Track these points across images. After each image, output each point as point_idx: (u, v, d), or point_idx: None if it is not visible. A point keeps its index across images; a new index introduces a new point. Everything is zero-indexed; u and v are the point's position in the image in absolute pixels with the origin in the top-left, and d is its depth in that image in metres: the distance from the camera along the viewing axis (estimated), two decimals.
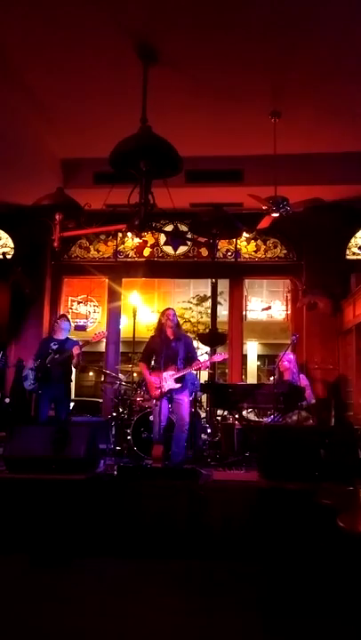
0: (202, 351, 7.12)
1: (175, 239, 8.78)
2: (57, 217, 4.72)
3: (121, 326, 9.28)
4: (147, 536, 4.15)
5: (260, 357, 14.90)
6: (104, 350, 9.17)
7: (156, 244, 8.99)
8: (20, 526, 4.19)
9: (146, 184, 4.58)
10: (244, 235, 8.43)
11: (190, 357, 5.89)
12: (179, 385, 5.72)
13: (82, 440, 4.63)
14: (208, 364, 6.34)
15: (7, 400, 7.80)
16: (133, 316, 7.99)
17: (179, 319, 6.40)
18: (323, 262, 8.38)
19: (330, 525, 3.03)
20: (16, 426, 4.90)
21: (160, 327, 5.94)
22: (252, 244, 8.82)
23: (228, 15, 4.91)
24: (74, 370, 6.61)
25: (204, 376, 7.75)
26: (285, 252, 8.79)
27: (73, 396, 8.95)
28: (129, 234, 8.62)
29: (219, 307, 9.19)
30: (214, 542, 4.11)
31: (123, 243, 9.02)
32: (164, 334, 5.85)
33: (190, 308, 13.17)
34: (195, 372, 6.61)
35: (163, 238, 8.93)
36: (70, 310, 10.44)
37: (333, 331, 8.26)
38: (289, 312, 9.39)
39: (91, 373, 14.44)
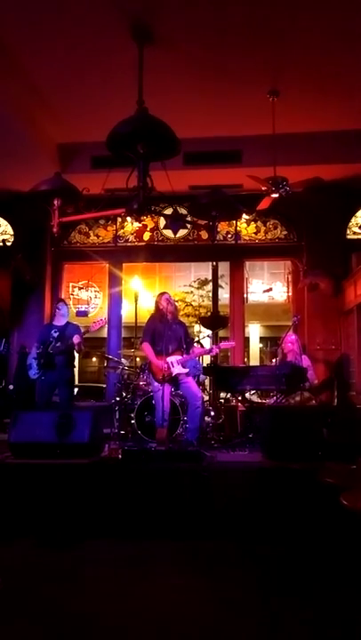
0: (204, 334, 7.13)
1: (175, 222, 8.74)
2: (55, 202, 4.69)
3: (122, 311, 9.29)
4: (151, 518, 4.19)
5: (262, 339, 14.92)
6: (106, 336, 9.19)
7: (155, 228, 8.95)
8: (27, 510, 4.23)
9: (144, 167, 4.55)
10: (244, 216, 8.39)
11: (188, 342, 5.91)
12: (186, 370, 5.76)
13: (86, 425, 4.65)
14: (216, 350, 6.37)
15: (11, 387, 7.84)
16: (135, 301, 8.02)
17: (180, 303, 6.41)
18: (323, 243, 8.35)
19: (333, 503, 3.06)
20: (20, 412, 4.91)
21: (160, 311, 5.89)
22: (252, 225, 8.78)
23: None
24: (77, 355, 6.63)
25: (206, 359, 7.77)
26: (286, 233, 8.75)
27: (76, 382, 8.98)
28: (128, 218, 8.58)
29: (220, 290, 9.19)
30: (219, 523, 4.15)
31: (122, 227, 8.98)
32: (165, 318, 5.83)
33: (191, 291, 13.16)
34: (197, 357, 6.63)
35: (162, 222, 8.89)
36: (71, 296, 10.45)
37: (335, 311, 8.26)
38: (290, 293, 9.40)
39: (94, 359, 14.47)
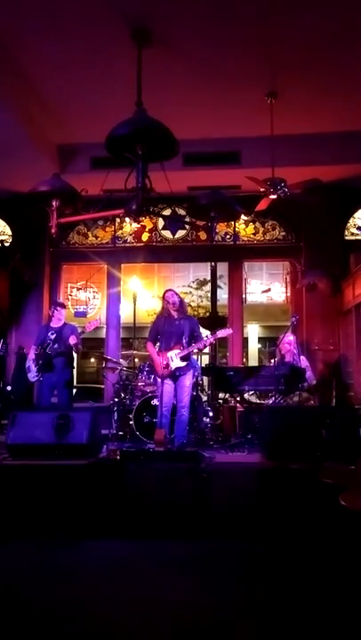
0: (204, 334, 7.12)
1: (173, 223, 8.74)
2: (54, 203, 4.69)
3: (121, 312, 9.29)
4: (151, 518, 4.19)
5: (260, 340, 14.91)
6: (105, 336, 9.19)
7: (154, 229, 8.95)
8: (25, 511, 4.23)
9: (142, 168, 4.56)
10: (243, 217, 8.40)
11: (196, 336, 5.88)
12: (185, 363, 5.73)
13: (84, 426, 4.65)
14: (213, 340, 6.31)
15: (9, 388, 7.83)
16: (133, 302, 8.02)
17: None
18: (322, 243, 8.36)
19: (332, 504, 3.06)
20: (18, 412, 4.90)
21: (163, 308, 5.96)
22: (251, 226, 8.79)
23: None
24: (75, 355, 6.63)
25: (205, 359, 7.78)
26: (284, 233, 8.76)
27: (75, 383, 8.98)
28: (127, 219, 8.58)
29: (218, 290, 9.20)
30: (218, 523, 4.15)
31: (121, 228, 8.98)
32: (168, 315, 5.86)
33: (190, 292, 13.15)
34: (195, 357, 6.63)
35: (161, 223, 8.90)
36: (70, 297, 10.43)
37: (333, 311, 8.27)
38: (289, 294, 9.39)
39: (92, 360, 14.46)
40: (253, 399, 7.28)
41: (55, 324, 6.40)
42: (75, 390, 8.18)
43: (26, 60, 5.77)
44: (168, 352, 5.73)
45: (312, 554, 3.66)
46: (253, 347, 14.67)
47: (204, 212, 4.98)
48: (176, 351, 5.72)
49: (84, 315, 10.44)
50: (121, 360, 8.17)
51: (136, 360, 7.87)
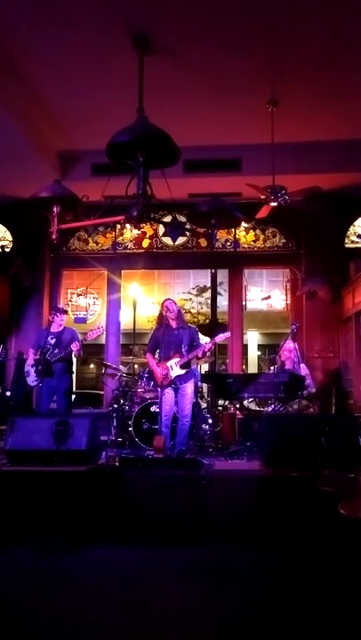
0: (203, 341, 7.11)
1: (174, 230, 8.75)
2: (55, 209, 4.69)
3: (121, 318, 9.29)
4: (150, 525, 4.17)
5: (260, 347, 14.90)
6: (104, 342, 9.18)
7: (154, 236, 8.97)
8: (24, 518, 4.21)
9: (143, 175, 4.56)
10: (243, 224, 8.41)
11: (195, 345, 5.85)
12: (185, 371, 5.71)
13: (83, 432, 4.63)
14: (212, 345, 6.29)
15: (8, 393, 7.81)
16: (133, 308, 8.02)
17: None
18: (322, 251, 8.37)
19: (332, 512, 3.05)
20: (17, 418, 4.89)
21: (161, 319, 5.95)
22: (251, 233, 8.80)
23: (223, 3, 4.88)
24: (75, 360, 6.61)
25: (204, 366, 7.77)
26: (284, 241, 8.78)
27: (74, 389, 8.97)
28: (128, 225, 8.59)
29: (219, 297, 9.21)
30: (217, 531, 4.13)
31: (121, 234, 9.00)
32: (167, 324, 5.85)
33: (190, 298, 13.16)
34: (195, 364, 6.62)
35: (161, 229, 8.91)
36: (70, 303, 10.45)
37: (333, 319, 8.27)
38: (289, 301, 9.39)
39: (92, 365, 14.45)
40: (253, 406, 7.26)
41: (55, 328, 6.38)
42: (74, 396, 8.17)
43: (27, 66, 5.80)
44: (167, 361, 5.71)
45: (311, 562, 3.65)
46: (253, 354, 14.66)
47: (204, 219, 4.99)
48: (176, 359, 5.71)
49: (84, 321, 10.45)
50: (120, 366, 8.16)
51: (136, 366, 7.86)
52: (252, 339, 14.53)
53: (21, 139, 6.71)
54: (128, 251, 9.02)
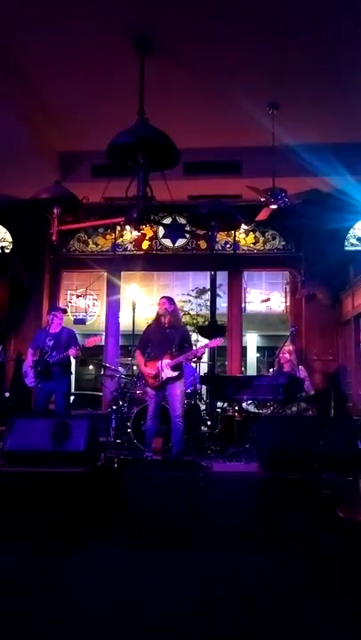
0: (202, 343, 7.12)
1: (174, 232, 8.74)
2: (55, 210, 4.70)
3: (120, 319, 9.28)
4: (148, 527, 4.17)
5: (259, 349, 14.91)
6: (103, 344, 9.17)
7: (154, 237, 8.97)
8: (22, 519, 4.21)
9: (143, 177, 4.57)
10: (243, 227, 8.42)
11: (186, 347, 5.78)
12: (176, 373, 5.64)
13: (82, 433, 4.63)
14: (204, 350, 6.26)
15: (7, 394, 7.81)
16: (133, 310, 8.00)
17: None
18: (321, 254, 8.38)
19: (330, 515, 3.05)
20: (16, 419, 4.88)
21: (156, 316, 5.94)
22: (251, 235, 8.81)
23: (225, 6, 4.89)
24: (73, 361, 6.59)
25: (203, 368, 7.77)
26: (284, 243, 8.79)
27: (73, 390, 8.96)
28: (127, 227, 8.60)
29: (218, 299, 9.21)
30: (215, 533, 4.13)
31: (121, 236, 9.00)
32: (160, 322, 5.82)
33: (189, 300, 13.15)
34: (194, 365, 6.62)
35: (161, 231, 8.92)
36: (69, 304, 10.44)
37: (332, 322, 8.28)
38: (288, 304, 9.40)
39: (90, 367, 14.44)
40: (252, 409, 7.27)
41: (54, 329, 6.33)
42: (72, 397, 8.17)
43: (29, 67, 5.80)
44: (157, 361, 5.67)
45: (309, 564, 3.64)
46: (252, 356, 14.67)
47: (204, 221, 4.99)
48: (166, 361, 5.64)
49: (83, 322, 10.44)
50: (119, 368, 8.15)
51: (134, 368, 7.84)
52: (252, 341, 14.54)
53: (22, 140, 6.73)
54: (128, 252, 9.03)
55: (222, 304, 9.76)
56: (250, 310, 12.78)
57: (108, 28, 5.13)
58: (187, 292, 13.28)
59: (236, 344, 8.98)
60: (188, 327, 11.79)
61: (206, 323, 10.28)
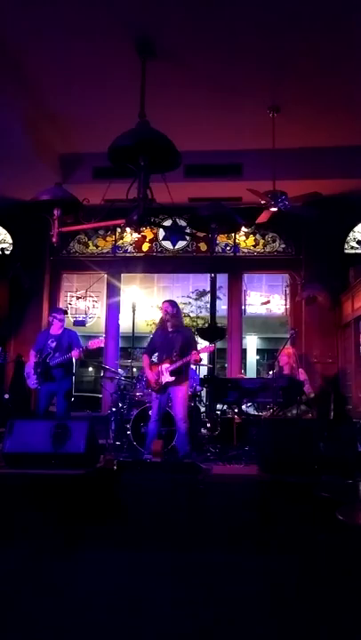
0: (201, 345, 7.12)
1: (174, 234, 8.77)
2: (55, 212, 4.70)
3: (120, 321, 9.28)
4: (147, 529, 4.16)
5: (259, 351, 14.92)
6: (103, 346, 9.16)
7: (154, 239, 8.98)
8: (21, 521, 4.20)
9: (144, 179, 4.57)
10: (243, 229, 8.42)
11: (188, 350, 5.71)
12: (174, 378, 5.64)
13: (81, 435, 4.62)
14: (198, 356, 6.21)
15: (6, 396, 7.80)
16: (133, 312, 8.01)
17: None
18: (321, 256, 8.39)
19: (329, 518, 3.05)
20: (15, 421, 4.87)
21: (160, 320, 5.96)
22: (251, 238, 8.82)
23: (226, 9, 4.90)
24: (74, 361, 6.58)
25: (203, 370, 7.76)
26: (284, 246, 8.79)
27: (73, 392, 8.96)
28: (128, 229, 8.60)
29: (218, 301, 9.21)
30: (214, 536, 4.12)
31: (121, 238, 9.01)
32: (164, 327, 5.85)
33: (190, 302, 13.16)
34: (194, 367, 6.61)
35: (162, 233, 8.93)
36: (69, 305, 10.44)
37: (332, 324, 8.28)
38: (288, 306, 9.41)
39: (90, 369, 14.44)
40: (251, 411, 7.26)
41: (55, 330, 6.33)
42: (72, 399, 8.16)
43: (30, 69, 5.81)
44: (159, 365, 5.71)
45: (309, 567, 3.64)
46: (252, 358, 14.68)
47: (204, 224, 4.99)
48: (166, 365, 5.67)
49: (83, 324, 10.43)
50: (119, 370, 8.15)
51: (134, 370, 7.85)
52: (251, 343, 14.55)
53: (23, 142, 6.73)
54: (128, 254, 9.03)
55: (222, 306, 9.77)
56: (250, 313, 12.77)
57: (109, 31, 5.15)
58: (187, 295, 13.29)
59: (235, 346, 8.98)
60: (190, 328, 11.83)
61: (206, 325, 10.29)
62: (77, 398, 10.85)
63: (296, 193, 6.37)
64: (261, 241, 8.82)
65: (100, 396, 9.38)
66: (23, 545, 4.04)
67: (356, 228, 8.62)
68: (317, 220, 7.46)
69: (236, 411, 6.82)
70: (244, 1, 4.81)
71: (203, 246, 8.75)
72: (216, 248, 8.35)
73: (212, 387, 7.19)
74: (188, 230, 8.29)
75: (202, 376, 7.13)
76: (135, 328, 7.58)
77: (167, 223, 8.56)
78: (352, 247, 8.60)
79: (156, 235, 8.96)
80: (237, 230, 7.87)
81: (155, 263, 9.06)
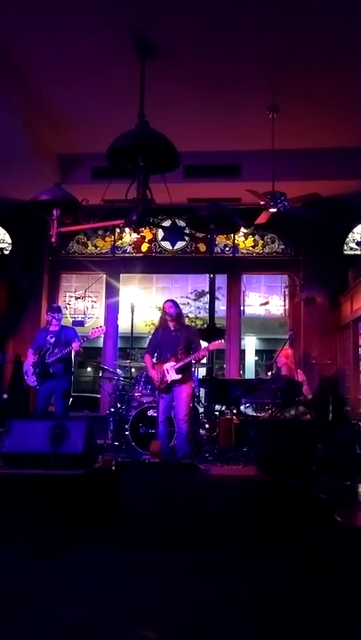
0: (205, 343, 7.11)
1: (173, 234, 8.78)
2: (54, 212, 4.70)
3: (119, 322, 9.28)
4: (145, 530, 4.16)
5: (257, 352, 14.93)
6: (102, 346, 9.17)
7: (153, 240, 8.98)
8: (19, 521, 4.19)
9: (143, 179, 4.57)
10: (242, 230, 8.42)
11: (193, 347, 5.74)
12: (180, 376, 5.65)
13: (80, 436, 4.62)
14: (206, 352, 6.23)
15: (5, 396, 7.80)
16: (131, 312, 8.01)
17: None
18: (320, 257, 8.39)
19: (328, 519, 3.05)
20: (13, 420, 4.86)
21: (161, 319, 5.95)
22: (250, 239, 8.82)
23: (225, 9, 4.90)
24: (73, 361, 6.57)
25: (202, 371, 7.76)
26: (283, 247, 8.80)
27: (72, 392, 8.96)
28: (127, 229, 8.60)
29: (217, 302, 9.20)
30: (212, 536, 4.12)
31: (121, 238, 9.01)
32: (166, 326, 5.85)
33: (188, 303, 13.16)
34: (192, 368, 6.60)
35: (161, 234, 8.93)
36: (68, 306, 10.44)
37: (331, 326, 8.28)
38: (287, 307, 9.40)
39: (89, 369, 14.44)
40: (250, 412, 7.26)
41: (54, 328, 6.32)
42: (71, 399, 8.15)
43: (29, 69, 5.81)
44: (164, 364, 5.71)
45: (307, 568, 3.64)
46: (250, 359, 14.68)
47: (203, 224, 5.00)
48: (171, 364, 5.67)
49: (82, 324, 10.42)
50: (118, 370, 8.15)
51: (133, 370, 7.84)
52: (250, 344, 14.55)
53: (22, 142, 6.73)
54: (127, 255, 9.03)
55: (221, 307, 9.77)
56: (249, 313, 12.78)
57: (108, 31, 5.15)
58: (186, 295, 13.30)
59: (234, 347, 8.98)
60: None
61: (205, 325, 10.27)
62: (76, 398, 10.84)
63: (295, 194, 6.37)
64: (260, 242, 8.82)
65: (99, 396, 9.37)
66: (21, 545, 4.04)
67: (355, 229, 8.63)
68: (317, 221, 7.47)
69: (234, 411, 6.82)
70: (244, 1, 4.81)
71: (202, 247, 8.75)
72: (215, 249, 8.36)
73: (210, 387, 7.19)
74: (187, 231, 8.30)
75: (200, 377, 7.12)
76: (134, 328, 7.57)
77: (166, 224, 8.56)
78: (351, 248, 8.61)
79: (155, 235, 8.96)
80: (236, 231, 7.87)
81: (154, 264, 9.06)
